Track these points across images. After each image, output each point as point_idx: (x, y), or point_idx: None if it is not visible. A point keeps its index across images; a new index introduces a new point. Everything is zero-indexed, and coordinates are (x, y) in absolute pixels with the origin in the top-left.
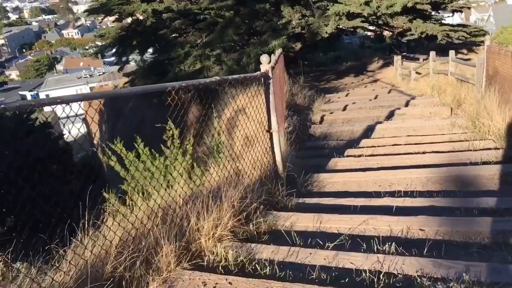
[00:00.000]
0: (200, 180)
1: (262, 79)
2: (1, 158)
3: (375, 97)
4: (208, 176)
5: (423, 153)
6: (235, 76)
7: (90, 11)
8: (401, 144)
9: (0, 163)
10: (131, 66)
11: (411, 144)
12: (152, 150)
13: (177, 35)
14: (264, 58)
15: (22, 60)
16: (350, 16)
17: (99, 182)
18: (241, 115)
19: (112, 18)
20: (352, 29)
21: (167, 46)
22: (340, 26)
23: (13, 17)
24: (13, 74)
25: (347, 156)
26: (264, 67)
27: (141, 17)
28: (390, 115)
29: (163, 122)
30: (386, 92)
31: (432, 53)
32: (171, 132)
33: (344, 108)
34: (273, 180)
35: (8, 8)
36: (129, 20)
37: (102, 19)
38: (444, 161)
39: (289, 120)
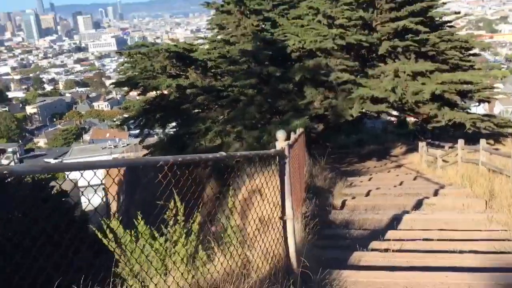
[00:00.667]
0: (202, 272)
1: (277, 157)
2: (12, 225)
3: (400, 183)
4: (211, 268)
5: (460, 252)
6: (245, 153)
7: (117, 84)
8: (433, 240)
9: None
10: (154, 139)
11: (445, 240)
12: (153, 229)
13: (200, 110)
14: (280, 134)
15: (52, 129)
16: (375, 100)
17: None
18: (257, 195)
19: (138, 91)
20: (376, 114)
21: (189, 121)
22: (364, 110)
23: (49, 88)
24: (41, 142)
25: (372, 249)
26: (280, 144)
27: (165, 92)
28: (418, 205)
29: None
30: (412, 179)
31: (461, 141)
32: (173, 210)
33: (367, 194)
34: (285, 278)
35: (44, 80)
36: (153, 94)
37: (127, 92)
38: (486, 265)
39: (307, 203)
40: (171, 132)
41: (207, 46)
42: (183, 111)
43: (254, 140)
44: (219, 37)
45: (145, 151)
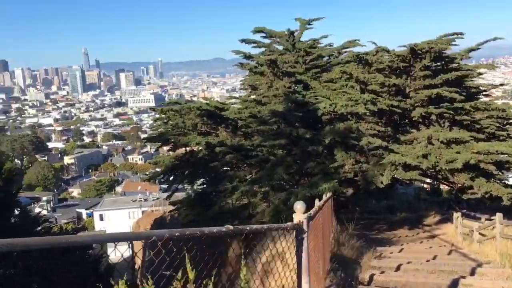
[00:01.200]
0: None
1: (294, 232)
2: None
3: (434, 258)
4: None
5: None
6: (256, 226)
7: (149, 139)
8: None
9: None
10: (183, 194)
11: None
12: None
13: (228, 168)
14: (298, 205)
15: (86, 180)
16: (407, 167)
17: None
18: (279, 261)
19: (168, 147)
20: (408, 181)
21: (217, 179)
22: (396, 177)
23: (87, 140)
24: (75, 192)
25: None
26: (298, 217)
27: (195, 148)
28: (453, 285)
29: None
30: (446, 253)
31: (499, 215)
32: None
33: (398, 268)
34: None
35: (84, 132)
36: (183, 150)
37: (159, 148)
38: None
39: (331, 276)
40: (199, 189)
41: (238, 106)
42: (212, 169)
43: (280, 202)
44: (251, 97)
45: (171, 207)
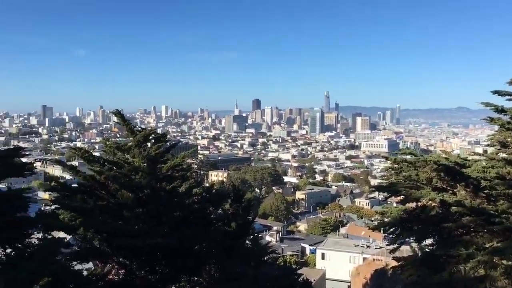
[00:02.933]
0: None
1: None
2: None
3: None
4: None
5: None
6: None
7: (377, 188)
8: None
9: None
10: (407, 249)
11: None
12: None
13: (464, 231)
14: None
15: (313, 216)
16: None
17: None
18: None
19: (398, 199)
20: None
21: (449, 241)
22: None
23: (318, 178)
24: (302, 226)
25: None
26: None
27: (427, 204)
28: None
29: None
30: None
31: None
32: None
33: None
34: None
35: (316, 170)
36: (413, 204)
37: (388, 197)
38: None
39: None
40: (427, 249)
41: (483, 163)
42: (444, 229)
43: None
44: (500, 155)
45: (394, 262)
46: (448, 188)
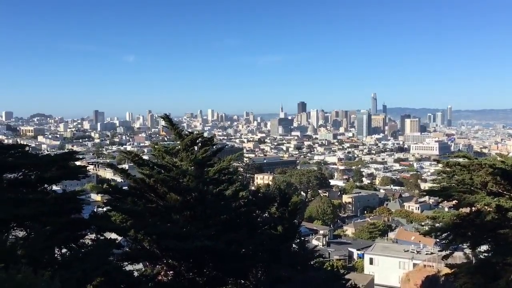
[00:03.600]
0: None
1: None
2: None
3: None
4: None
5: None
6: None
7: (429, 193)
8: None
9: None
10: (460, 255)
11: None
12: None
13: None
14: None
15: (361, 220)
16: None
17: None
18: None
19: (450, 203)
20: None
21: (506, 248)
22: None
23: (366, 181)
24: (349, 230)
25: None
26: None
27: (482, 209)
28: None
29: None
30: None
31: None
32: None
33: None
34: None
35: (364, 173)
36: (467, 209)
37: (440, 202)
38: None
39: None
40: (482, 256)
41: None
42: (501, 236)
43: None
44: None
45: (447, 269)
46: (505, 192)
